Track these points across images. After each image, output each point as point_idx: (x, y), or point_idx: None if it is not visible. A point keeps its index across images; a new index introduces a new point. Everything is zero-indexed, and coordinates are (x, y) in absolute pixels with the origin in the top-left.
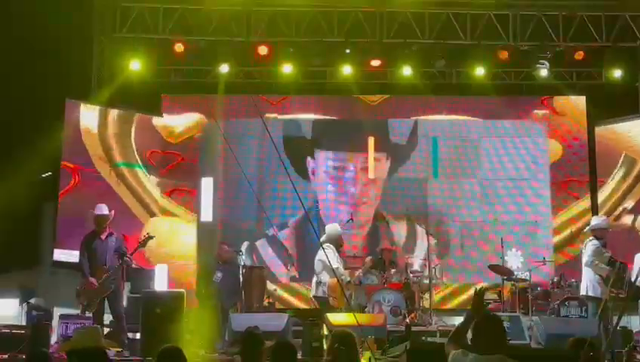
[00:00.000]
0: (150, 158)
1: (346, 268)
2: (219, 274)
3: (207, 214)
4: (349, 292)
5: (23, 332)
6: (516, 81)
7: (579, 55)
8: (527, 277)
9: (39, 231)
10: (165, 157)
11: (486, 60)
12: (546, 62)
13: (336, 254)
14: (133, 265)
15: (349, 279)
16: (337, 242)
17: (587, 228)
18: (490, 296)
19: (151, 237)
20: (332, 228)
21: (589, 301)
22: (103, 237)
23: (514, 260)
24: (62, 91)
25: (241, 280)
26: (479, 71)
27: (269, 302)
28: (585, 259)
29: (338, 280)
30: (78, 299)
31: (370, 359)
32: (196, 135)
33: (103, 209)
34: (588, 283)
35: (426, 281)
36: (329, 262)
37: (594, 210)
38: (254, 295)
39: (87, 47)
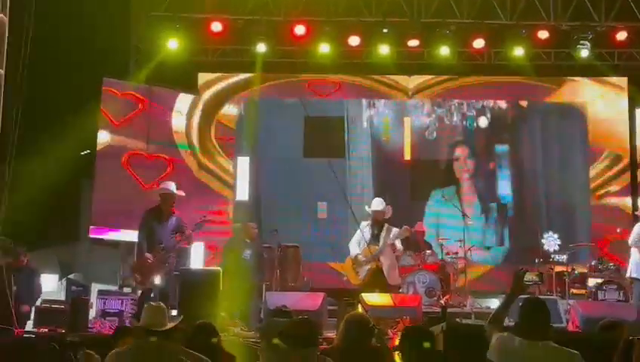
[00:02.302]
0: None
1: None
2: (248, 252)
3: (242, 193)
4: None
5: (62, 307)
6: (556, 61)
7: (621, 35)
8: (565, 261)
9: (78, 207)
10: (125, 100)
11: (525, 40)
12: (587, 43)
13: (366, 230)
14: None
15: (357, 253)
16: (371, 217)
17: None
18: (532, 277)
19: (208, 220)
20: (372, 203)
21: (634, 282)
22: (166, 216)
23: (551, 243)
24: (100, 70)
25: (275, 258)
26: (518, 51)
27: (304, 282)
28: (630, 239)
29: (352, 258)
30: (133, 273)
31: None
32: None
33: (171, 186)
34: (633, 264)
35: (461, 262)
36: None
37: (634, 191)
38: (289, 274)
39: (125, 26)
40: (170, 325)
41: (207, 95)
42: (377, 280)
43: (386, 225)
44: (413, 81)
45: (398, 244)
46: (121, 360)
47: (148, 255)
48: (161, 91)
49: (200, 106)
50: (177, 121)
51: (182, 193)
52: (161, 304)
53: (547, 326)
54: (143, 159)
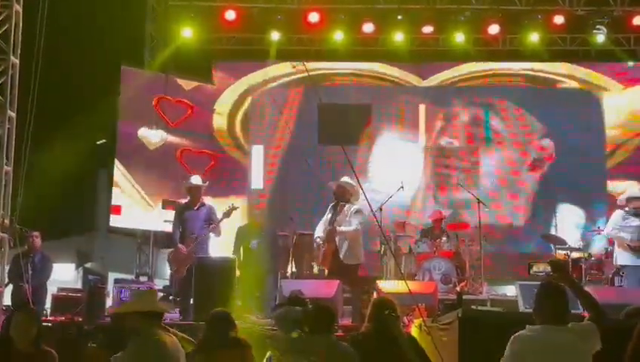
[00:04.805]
0: (158, 106)
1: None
2: (254, 241)
3: (257, 182)
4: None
5: (79, 295)
6: (572, 47)
7: (637, 20)
8: (581, 247)
9: (95, 197)
10: (177, 106)
11: (540, 26)
12: (603, 28)
13: (332, 209)
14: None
15: (318, 235)
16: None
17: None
18: (543, 267)
19: (235, 208)
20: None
21: (622, 269)
22: (195, 207)
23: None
24: (117, 58)
25: (290, 246)
26: (534, 37)
27: (319, 269)
28: (605, 230)
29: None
30: (170, 264)
31: (420, 326)
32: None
33: (197, 179)
34: (617, 252)
35: (477, 249)
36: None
37: None
38: (304, 261)
39: (141, 15)
40: (165, 308)
41: (249, 100)
42: (332, 263)
43: (349, 204)
44: (427, 83)
45: (354, 223)
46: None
47: (181, 246)
48: (205, 94)
49: (242, 110)
50: (218, 121)
51: (205, 184)
52: (151, 292)
53: (566, 310)
54: (192, 154)
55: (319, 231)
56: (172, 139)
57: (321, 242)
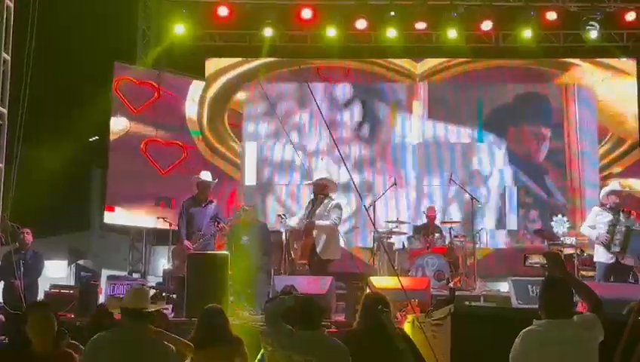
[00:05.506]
0: (119, 90)
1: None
2: (245, 238)
3: (250, 178)
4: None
5: (71, 292)
6: (565, 43)
7: (630, 16)
8: (574, 243)
9: (89, 193)
10: (142, 88)
11: (533, 22)
12: (596, 24)
13: (311, 203)
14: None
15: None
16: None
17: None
18: (537, 259)
19: (246, 209)
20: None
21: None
22: (203, 203)
23: (560, 225)
24: (109, 54)
25: (283, 242)
26: (526, 33)
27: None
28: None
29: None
30: (173, 260)
31: (413, 322)
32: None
33: (207, 175)
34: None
35: (470, 246)
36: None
37: None
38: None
39: (133, 11)
40: (152, 308)
41: (219, 82)
42: (311, 258)
43: (329, 198)
44: (421, 67)
45: (332, 217)
46: (101, 344)
47: (187, 243)
48: (175, 79)
49: (211, 94)
50: (190, 109)
51: (215, 181)
52: (145, 287)
53: (570, 304)
54: (160, 146)
55: (293, 222)
56: (136, 127)
57: (291, 231)
